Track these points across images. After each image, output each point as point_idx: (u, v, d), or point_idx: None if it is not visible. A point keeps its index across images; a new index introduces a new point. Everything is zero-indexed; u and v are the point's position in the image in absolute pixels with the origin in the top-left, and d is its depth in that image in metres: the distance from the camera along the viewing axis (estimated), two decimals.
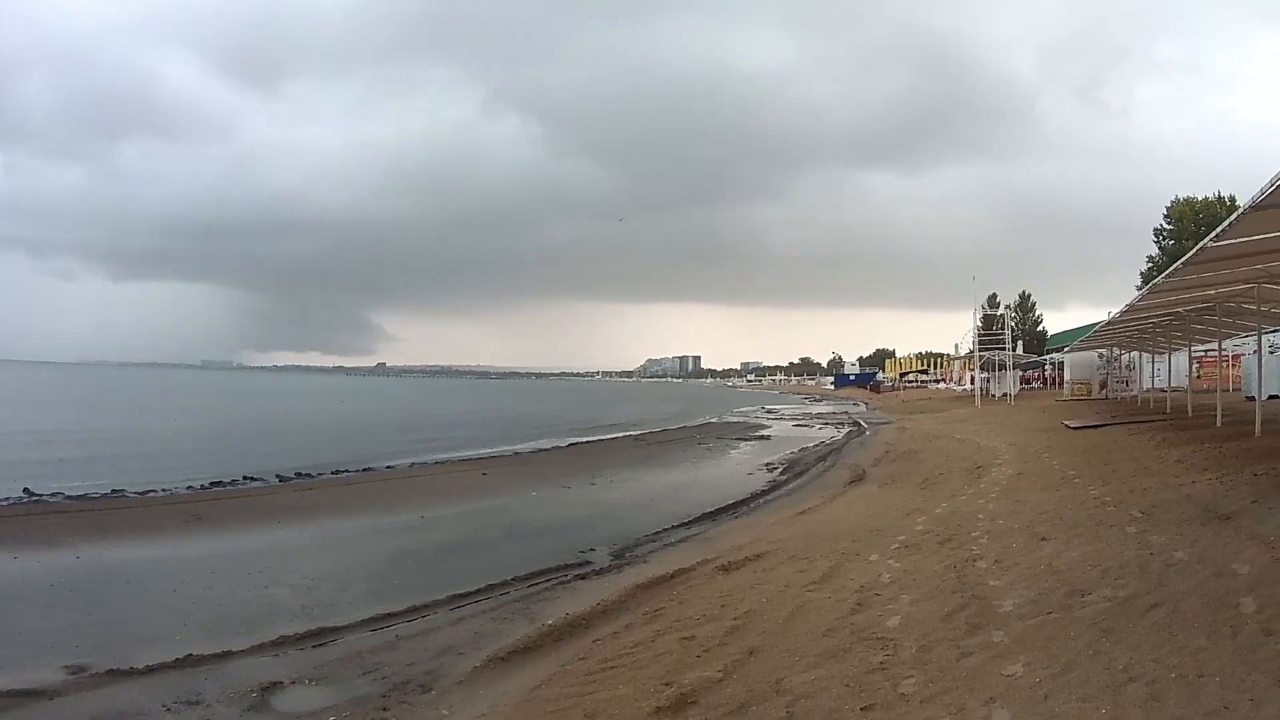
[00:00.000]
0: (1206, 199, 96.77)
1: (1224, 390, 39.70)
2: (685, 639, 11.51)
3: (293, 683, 11.84)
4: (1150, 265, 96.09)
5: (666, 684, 9.85)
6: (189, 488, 29.83)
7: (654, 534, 21.88)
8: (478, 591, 16.41)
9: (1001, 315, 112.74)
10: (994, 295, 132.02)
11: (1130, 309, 29.61)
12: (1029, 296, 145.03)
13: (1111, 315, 36.27)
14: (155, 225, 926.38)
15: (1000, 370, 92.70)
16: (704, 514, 24.90)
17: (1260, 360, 33.74)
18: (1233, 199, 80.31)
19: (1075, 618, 10.10)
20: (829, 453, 44.15)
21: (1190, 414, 38.88)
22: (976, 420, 55.03)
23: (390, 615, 14.94)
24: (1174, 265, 20.55)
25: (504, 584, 16.95)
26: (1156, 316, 37.40)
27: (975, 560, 13.92)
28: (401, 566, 18.94)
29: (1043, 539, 14.97)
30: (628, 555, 19.51)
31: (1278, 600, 9.68)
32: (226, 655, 12.82)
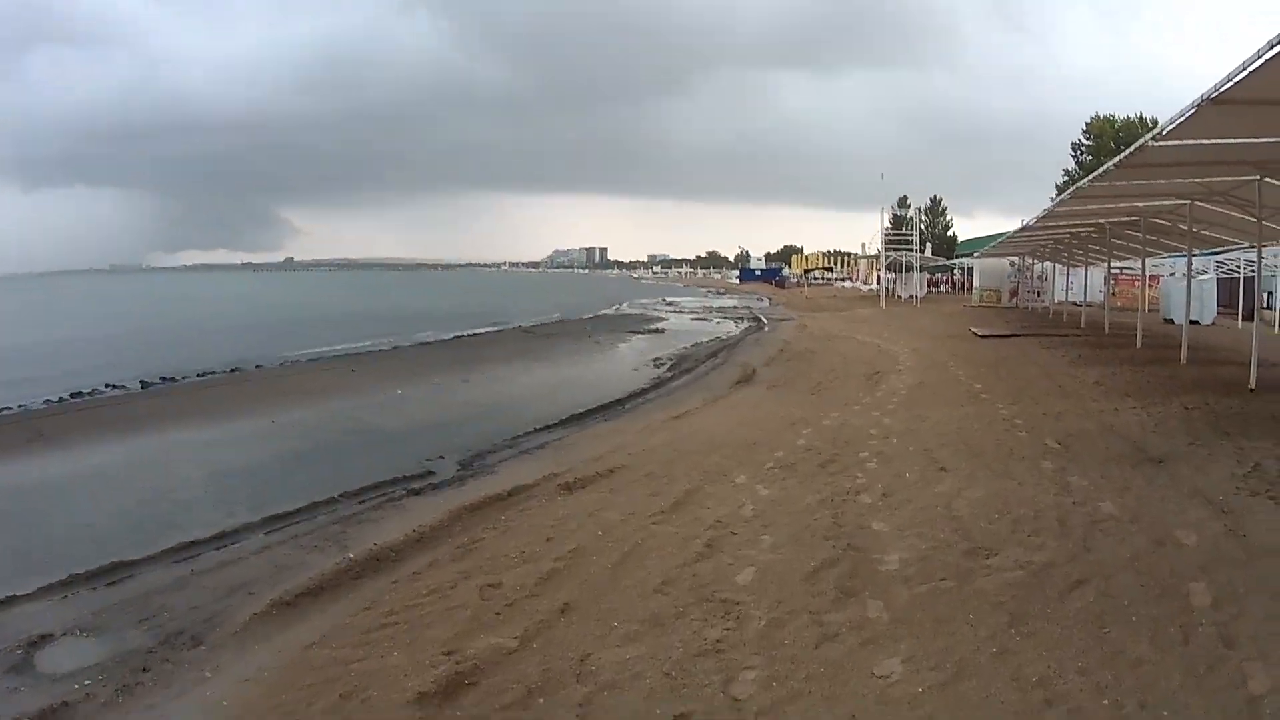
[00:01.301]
0: (1128, 118, 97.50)
1: (1134, 310, 38.40)
2: (490, 586, 9.51)
3: (64, 634, 9.67)
4: (1066, 179, 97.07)
5: (448, 652, 7.85)
6: (46, 401, 27.38)
7: (513, 439, 19.85)
8: (298, 511, 14.21)
9: (911, 217, 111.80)
10: (904, 197, 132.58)
11: (1050, 213, 27.97)
12: (940, 201, 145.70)
13: (1027, 222, 34.50)
14: (65, 133, 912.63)
15: (907, 272, 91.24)
16: (572, 416, 23.03)
17: (1190, 283, 31.77)
18: (1154, 120, 79.08)
19: (976, 590, 8.30)
20: (722, 349, 42.28)
21: (1106, 332, 37.97)
22: (880, 322, 53.54)
23: (196, 544, 12.72)
24: (1105, 166, 18.64)
25: (329, 501, 14.75)
26: (1077, 226, 36.10)
27: (859, 493, 12.20)
28: (228, 483, 16.72)
29: (942, 469, 13.29)
30: (476, 465, 17.44)
31: (1237, 590, 7.98)
32: (8, 602, 10.60)
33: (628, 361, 38.28)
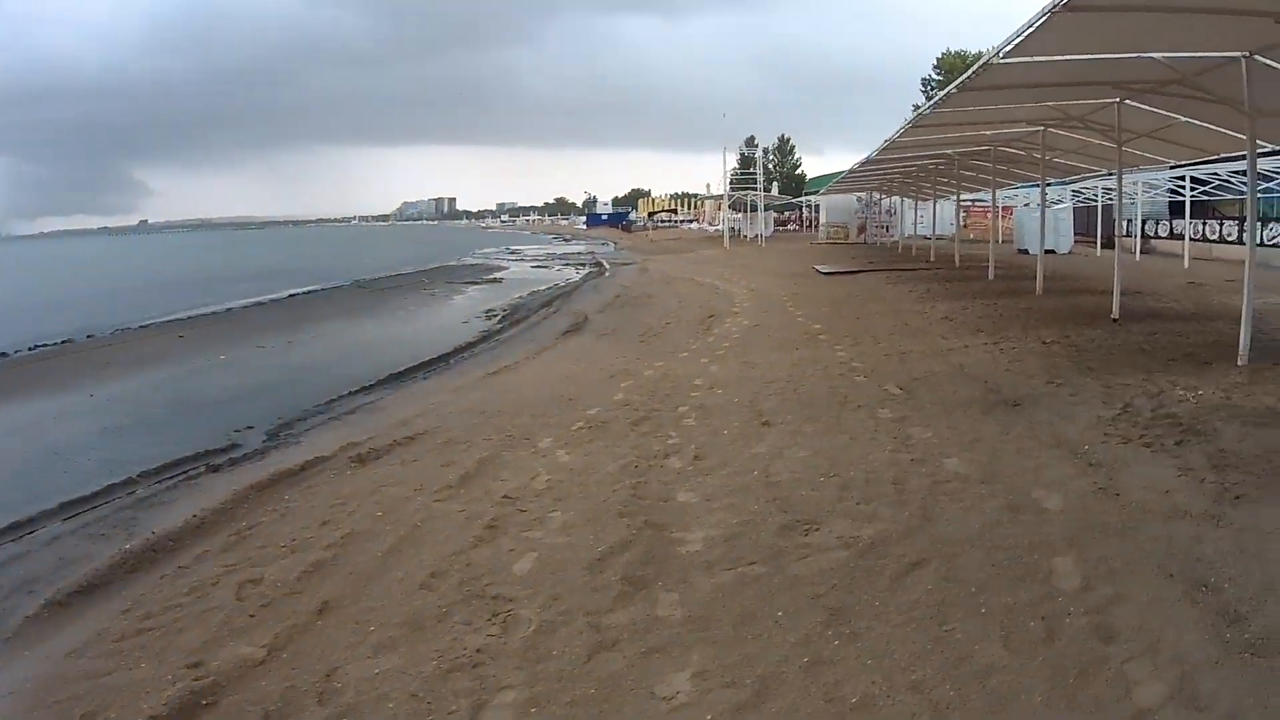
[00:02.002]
0: (980, 53, 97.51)
1: (987, 241, 38.17)
2: (251, 582, 8.30)
3: None
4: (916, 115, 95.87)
5: (192, 664, 6.70)
6: None
7: (326, 403, 18.38)
8: (96, 495, 12.72)
9: (757, 157, 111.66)
10: (751, 137, 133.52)
11: (893, 144, 26.89)
12: (788, 140, 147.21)
13: (870, 155, 33.73)
14: None
15: (753, 212, 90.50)
16: (392, 375, 21.64)
17: (1044, 212, 31.32)
18: None
19: (791, 578, 7.07)
20: (558, 296, 41.29)
21: (958, 265, 37.86)
22: (723, 263, 52.69)
23: None
24: (946, 89, 17.67)
25: (127, 483, 13.20)
26: (924, 159, 35.36)
27: (668, 456, 11.08)
28: (32, 466, 15.28)
29: (765, 423, 12.19)
30: (283, 436, 15.81)
31: (1113, 566, 6.89)
32: None
33: (460, 314, 36.90)
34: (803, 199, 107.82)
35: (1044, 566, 6.87)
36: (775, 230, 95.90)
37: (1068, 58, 14.47)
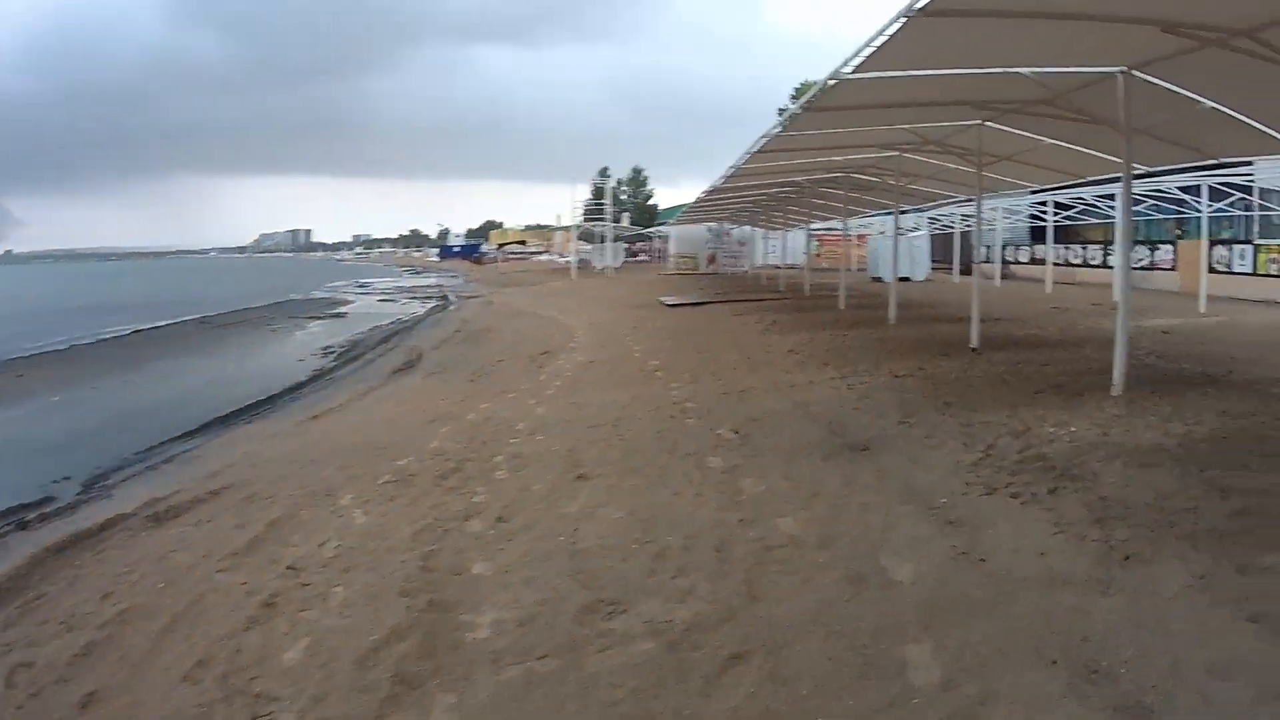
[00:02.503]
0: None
1: (847, 271, 37.65)
2: (23, 666, 7.39)
3: None
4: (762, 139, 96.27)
5: None
6: None
7: (147, 451, 17.50)
8: None
9: (612, 188, 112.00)
10: (605, 168, 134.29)
11: (738, 171, 25.76)
12: (641, 171, 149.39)
13: (715, 183, 32.83)
14: None
15: (603, 242, 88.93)
16: (217, 419, 20.68)
17: (896, 239, 30.61)
18: None
19: (585, 678, 5.89)
20: (398, 332, 41.07)
21: (808, 294, 37.73)
22: (569, 295, 52.23)
23: None
24: (791, 109, 16.52)
25: None
26: (774, 186, 34.32)
27: (471, 517, 9.85)
28: None
29: (581, 476, 10.97)
30: (98, 487, 14.93)
31: (980, 654, 5.74)
32: None
33: (298, 351, 36.12)
34: (654, 229, 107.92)
35: (894, 657, 5.69)
36: (626, 261, 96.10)
37: (925, 73, 13.40)
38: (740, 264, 67.73)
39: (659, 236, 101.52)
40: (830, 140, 20.55)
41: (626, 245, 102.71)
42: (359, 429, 16.43)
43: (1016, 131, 18.26)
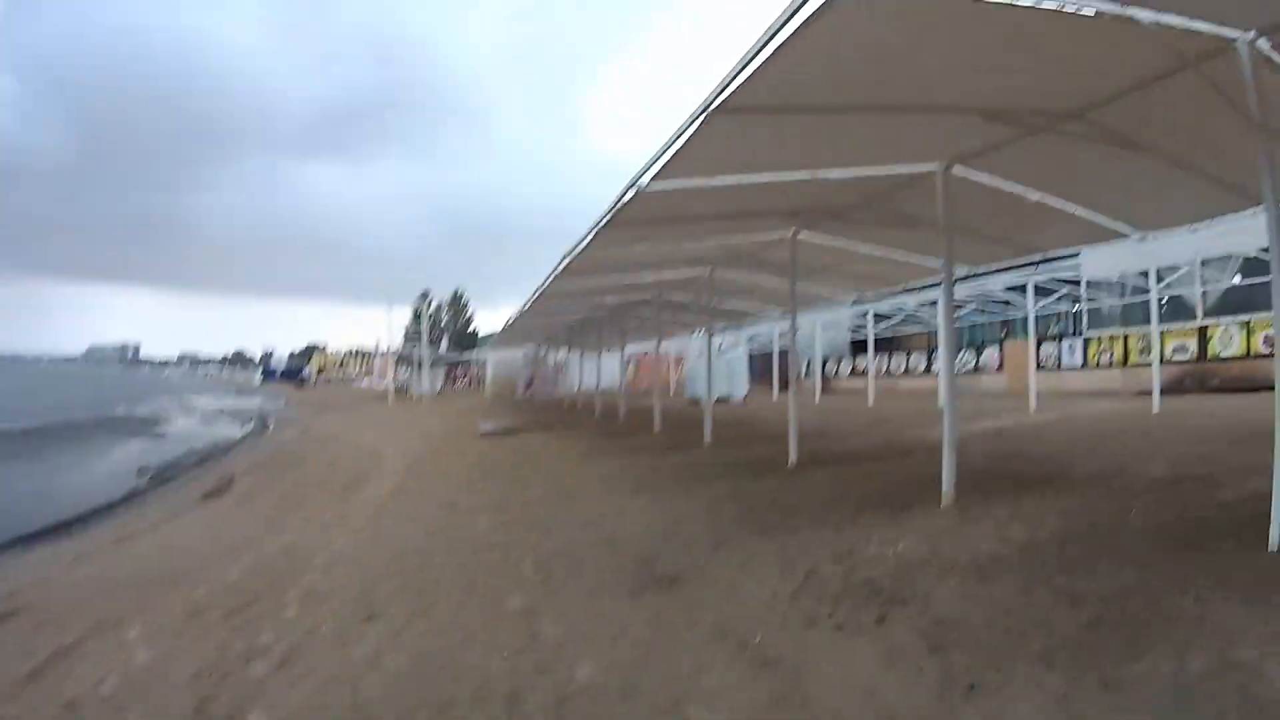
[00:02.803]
0: None
1: (666, 393, 37.28)
2: None
3: None
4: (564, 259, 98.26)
5: None
6: None
7: None
8: None
9: (432, 312, 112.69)
10: (426, 291, 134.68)
11: (544, 294, 24.97)
12: (461, 294, 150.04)
13: (522, 308, 32.25)
14: None
15: (420, 367, 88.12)
16: (21, 537, 20.12)
17: (709, 357, 30.21)
18: None
19: None
20: (214, 455, 40.62)
21: (622, 419, 37.19)
22: (385, 421, 51.75)
23: None
24: (592, 227, 15.57)
25: None
26: (586, 309, 34.52)
27: (255, 658, 9.00)
28: None
29: (371, 617, 9.95)
30: None
31: None
32: None
33: (114, 469, 34.85)
34: (473, 354, 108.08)
35: None
36: (445, 386, 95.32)
37: (730, 180, 12.67)
38: (558, 388, 67.67)
39: (478, 361, 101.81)
40: (639, 258, 19.96)
41: (446, 369, 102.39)
42: (161, 556, 16.10)
43: (831, 241, 17.85)
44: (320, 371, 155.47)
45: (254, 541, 15.89)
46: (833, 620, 7.97)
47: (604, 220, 14.31)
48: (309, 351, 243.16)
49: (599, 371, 54.99)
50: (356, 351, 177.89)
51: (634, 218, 14.19)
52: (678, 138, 9.89)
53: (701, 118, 9.28)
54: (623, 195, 12.56)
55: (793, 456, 18.63)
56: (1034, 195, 13.77)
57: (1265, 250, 26.44)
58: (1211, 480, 13.73)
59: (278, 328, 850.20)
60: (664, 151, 10.33)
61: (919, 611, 7.88)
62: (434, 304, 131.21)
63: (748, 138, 10.79)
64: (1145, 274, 32.37)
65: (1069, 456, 17.63)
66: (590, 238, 15.67)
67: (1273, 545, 8.71)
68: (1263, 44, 8.67)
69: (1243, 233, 26.57)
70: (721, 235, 18.01)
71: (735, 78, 8.31)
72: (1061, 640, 6.82)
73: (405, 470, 25.04)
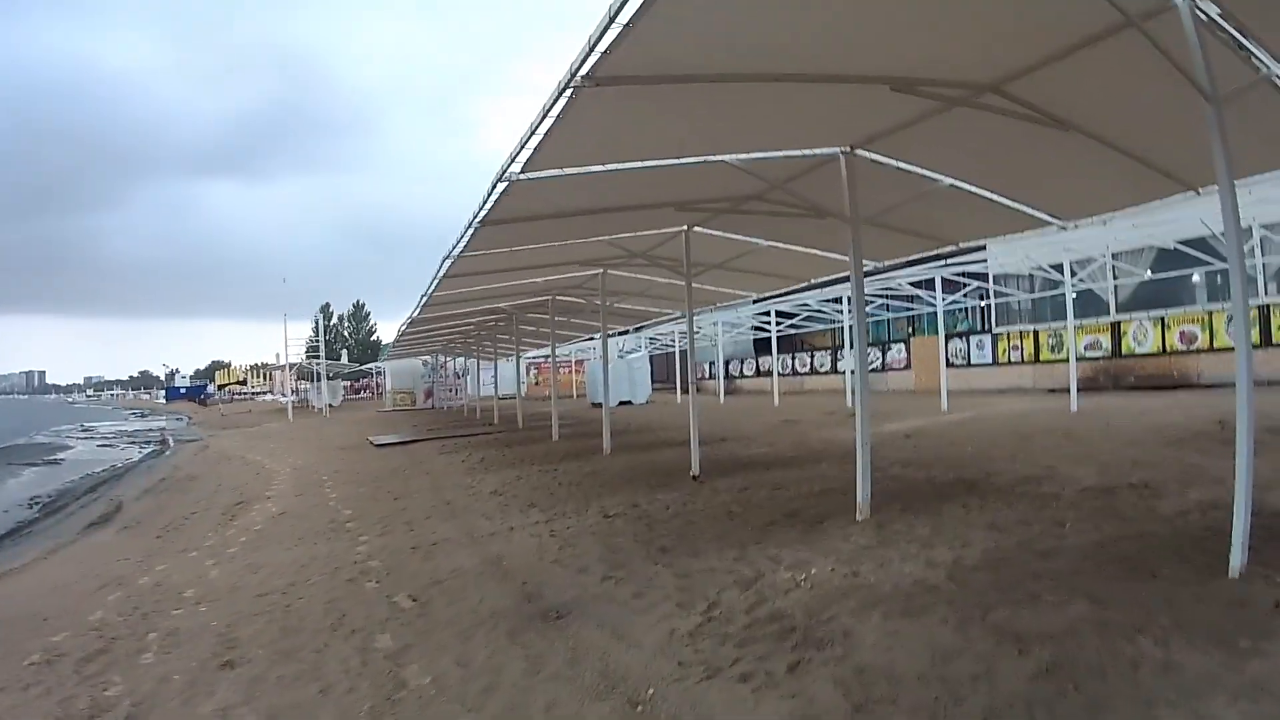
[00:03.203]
0: None
1: (567, 397, 36.30)
2: None
3: None
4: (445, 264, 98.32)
5: None
6: None
7: None
8: None
9: (333, 324, 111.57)
10: (327, 304, 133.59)
11: (431, 300, 23.54)
12: (363, 305, 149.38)
13: (412, 315, 30.84)
14: None
15: (318, 380, 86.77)
16: None
17: (605, 360, 28.94)
18: None
19: None
20: (108, 480, 37.50)
21: (521, 427, 36.40)
22: (282, 437, 50.59)
23: None
24: (469, 225, 14.16)
25: None
26: (480, 314, 32.51)
27: (98, 715, 7.95)
28: None
29: (228, 663, 8.82)
30: None
31: None
32: None
33: (3, 502, 32.64)
34: (372, 365, 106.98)
35: None
36: (347, 399, 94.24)
37: (612, 167, 11.29)
38: (458, 397, 66.85)
39: (378, 372, 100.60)
40: (528, 260, 18.59)
41: (347, 382, 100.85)
42: (32, 595, 14.34)
43: (730, 235, 16.86)
44: (221, 388, 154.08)
45: (126, 576, 14.42)
46: (737, 668, 6.81)
47: (477, 219, 12.99)
48: (213, 369, 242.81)
49: (497, 378, 54.02)
50: (260, 367, 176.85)
51: (511, 214, 13.08)
52: (544, 117, 8.71)
53: (568, 91, 8.12)
54: (492, 189, 11.29)
55: (695, 466, 17.55)
56: (946, 181, 12.67)
57: (1184, 243, 25.52)
58: (1149, 489, 12.90)
59: (183, 347, 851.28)
60: (530, 135, 9.14)
61: (838, 657, 6.75)
62: (335, 316, 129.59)
63: (626, 116, 9.59)
64: (1057, 267, 31.62)
65: (989, 460, 16.83)
66: (466, 238, 14.36)
67: (1233, 570, 7.76)
68: (1210, 7, 7.71)
69: (1157, 225, 25.95)
70: (611, 232, 16.82)
71: (600, 40, 7.16)
72: (1009, 698, 5.74)
73: (293, 490, 24.01)
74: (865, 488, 11.72)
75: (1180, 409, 25.10)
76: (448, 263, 16.74)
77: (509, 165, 10.18)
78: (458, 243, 14.96)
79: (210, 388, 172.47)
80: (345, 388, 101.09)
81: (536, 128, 8.92)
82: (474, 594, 10.29)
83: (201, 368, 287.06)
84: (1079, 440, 19.60)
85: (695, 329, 23.69)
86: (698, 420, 18.44)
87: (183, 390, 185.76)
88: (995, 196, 13.45)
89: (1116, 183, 12.61)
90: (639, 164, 11.41)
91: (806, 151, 11.90)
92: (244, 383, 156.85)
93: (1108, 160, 11.31)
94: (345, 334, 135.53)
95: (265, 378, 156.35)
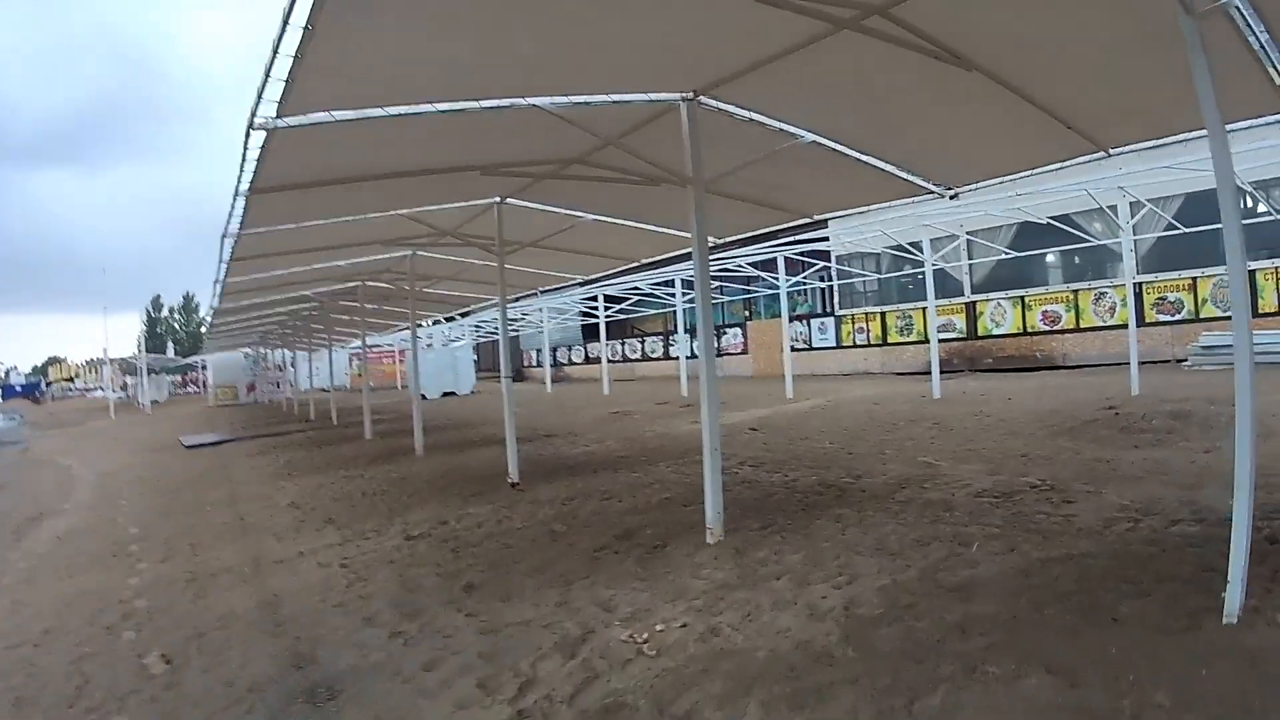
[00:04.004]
0: None
1: (391, 388, 34.20)
2: None
3: None
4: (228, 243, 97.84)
5: None
6: None
7: None
8: None
9: (164, 317, 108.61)
10: (158, 297, 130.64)
11: (224, 286, 20.65)
12: (193, 297, 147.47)
13: (212, 304, 28.17)
14: None
15: (140, 374, 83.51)
16: None
17: (415, 353, 26.27)
18: None
19: None
20: None
21: (336, 423, 34.21)
22: (105, 435, 46.66)
23: None
24: (235, 193, 11.53)
25: None
26: (291, 303, 30.37)
27: None
28: None
29: None
30: None
31: None
32: None
33: None
34: (196, 358, 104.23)
35: None
36: (174, 394, 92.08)
37: (399, 111, 8.61)
38: (281, 390, 63.54)
39: (203, 366, 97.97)
40: (324, 238, 15.66)
41: (176, 376, 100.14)
42: None
43: (550, 208, 14.65)
44: (50, 385, 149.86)
45: None
46: None
47: (243, 185, 10.15)
48: (49, 365, 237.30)
49: (313, 371, 51.74)
50: (94, 362, 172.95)
51: (287, 179, 10.57)
52: (287, 26, 6.28)
53: None
54: (247, 139, 8.57)
55: (514, 471, 15.30)
56: (809, 137, 10.51)
57: (1055, 218, 23.78)
58: (1055, 491, 11.07)
59: (17, 344, 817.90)
60: (276, 56, 6.75)
61: None
62: (166, 309, 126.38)
63: (405, 40, 7.30)
64: (916, 246, 30.00)
65: (855, 457, 15.04)
66: (238, 213, 11.68)
67: (1230, 613, 5.83)
68: None
69: (1022, 199, 24.44)
70: (412, 204, 14.25)
71: None
72: None
73: (91, 501, 21.27)
74: (716, 502, 9.55)
75: (1053, 393, 23.98)
76: (228, 242, 14.12)
77: (258, 104, 7.61)
78: (229, 218, 12.46)
79: (42, 385, 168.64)
80: (174, 382, 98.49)
81: (279, 44, 6.53)
82: (236, 655, 7.88)
83: (39, 363, 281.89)
84: (953, 431, 18.01)
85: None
86: (514, 418, 16.00)
87: (18, 388, 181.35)
88: (868, 158, 11.29)
89: (1019, 141, 10.64)
90: (429, 107, 8.84)
91: (638, 97, 9.54)
92: (74, 379, 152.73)
93: (1012, 112, 9.32)
94: (176, 327, 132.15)
95: (95, 372, 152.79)
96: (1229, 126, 7.12)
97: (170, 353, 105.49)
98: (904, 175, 11.91)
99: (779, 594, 7.50)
